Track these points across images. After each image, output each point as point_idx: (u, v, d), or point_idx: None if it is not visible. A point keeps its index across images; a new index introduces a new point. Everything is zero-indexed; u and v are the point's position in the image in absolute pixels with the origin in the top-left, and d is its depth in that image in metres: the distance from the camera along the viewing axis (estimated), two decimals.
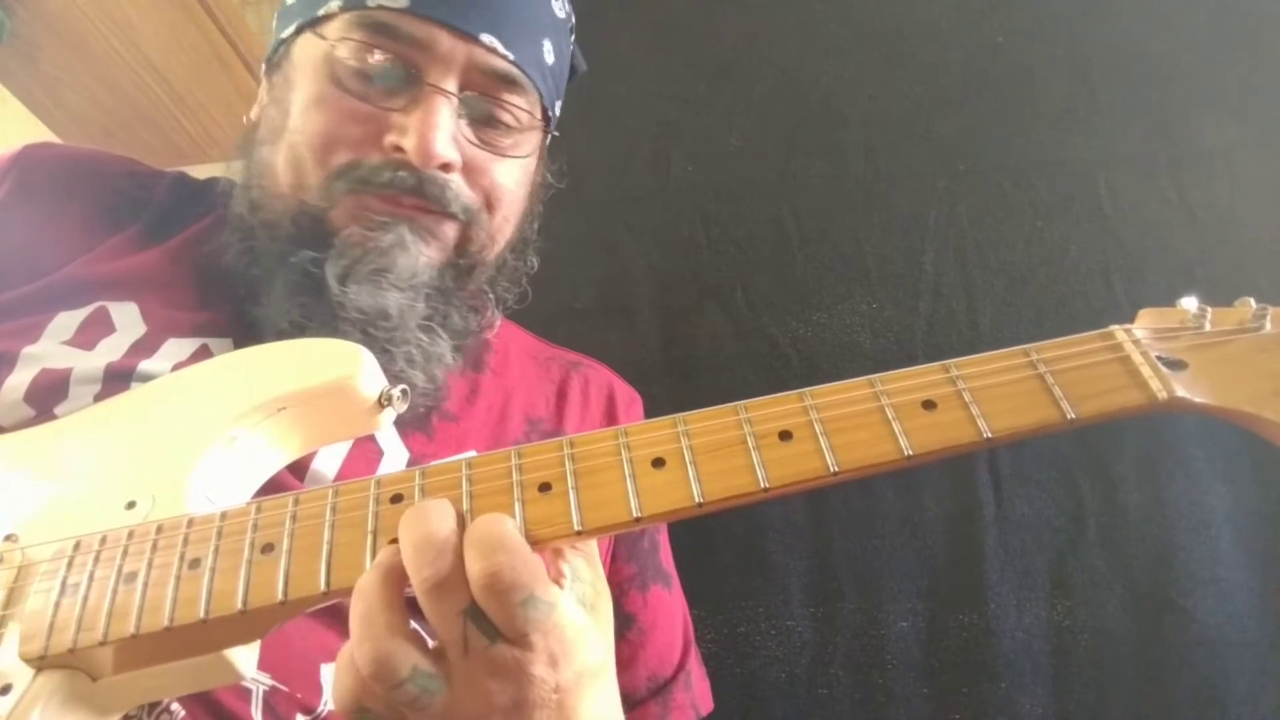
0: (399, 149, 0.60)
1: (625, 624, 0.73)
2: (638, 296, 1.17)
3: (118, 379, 0.57)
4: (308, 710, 0.53)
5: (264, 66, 0.72)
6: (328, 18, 0.62)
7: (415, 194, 0.61)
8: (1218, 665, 0.93)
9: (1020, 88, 1.18)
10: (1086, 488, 1.01)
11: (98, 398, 0.56)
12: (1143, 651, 0.95)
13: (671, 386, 1.11)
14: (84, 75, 1.25)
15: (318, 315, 0.60)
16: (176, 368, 0.58)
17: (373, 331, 0.60)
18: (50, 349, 0.58)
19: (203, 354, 0.60)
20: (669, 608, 0.77)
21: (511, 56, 0.64)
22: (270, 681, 0.52)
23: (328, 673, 0.54)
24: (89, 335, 0.60)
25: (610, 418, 0.81)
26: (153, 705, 0.48)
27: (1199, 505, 0.98)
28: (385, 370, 0.58)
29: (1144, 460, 1.00)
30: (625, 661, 0.71)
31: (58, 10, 1.15)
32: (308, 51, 0.64)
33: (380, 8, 0.60)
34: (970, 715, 0.95)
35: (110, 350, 0.59)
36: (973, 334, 1.09)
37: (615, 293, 1.17)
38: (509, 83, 0.65)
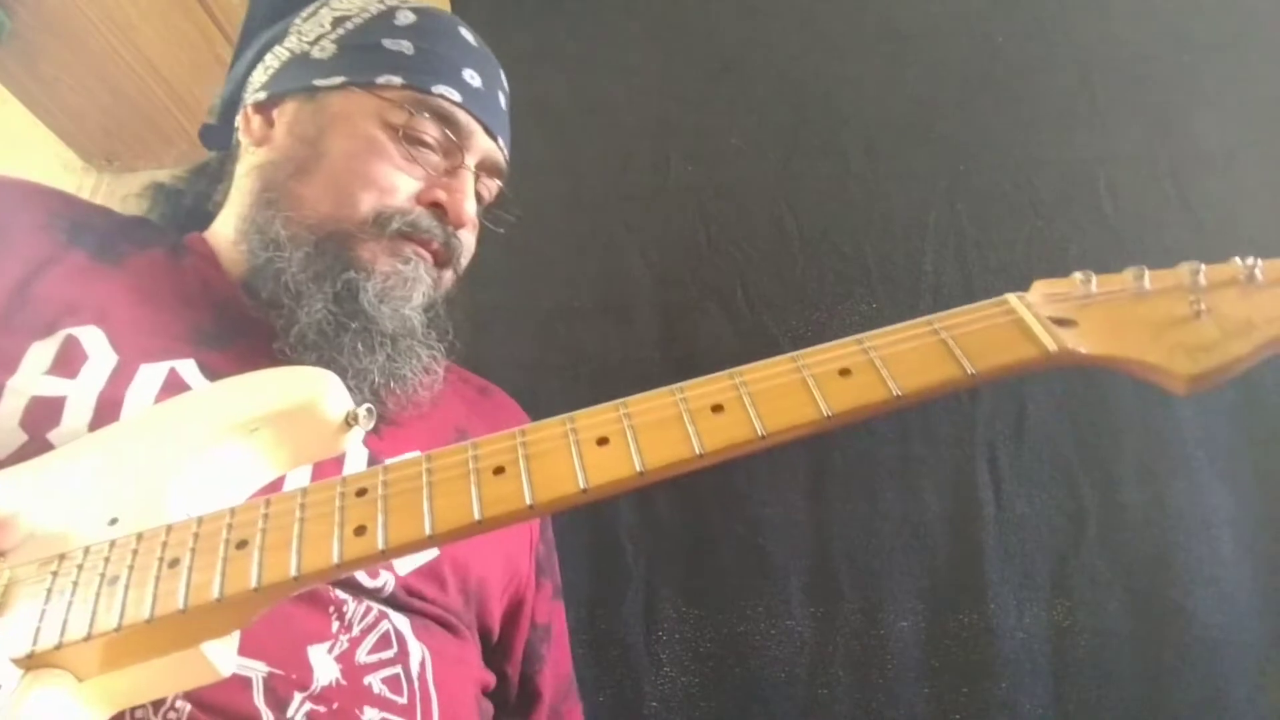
0: (437, 205, 0.77)
1: (546, 634, 0.84)
2: (638, 296, 1.17)
3: (109, 406, 0.62)
4: (303, 688, 0.57)
5: (261, 98, 0.80)
6: (387, 87, 0.76)
7: (443, 245, 0.78)
8: (1218, 665, 0.92)
9: (1020, 88, 1.18)
10: (1086, 488, 1.01)
11: (91, 425, 0.60)
12: (1143, 651, 0.94)
13: None
14: (84, 75, 1.25)
15: (352, 325, 0.71)
16: (159, 396, 0.63)
17: (400, 342, 0.73)
18: (34, 379, 0.62)
19: (172, 377, 0.65)
20: (563, 617, 0.89)
21: (507, 155, 0.85)
22: (266, 668, 0.56)
23: (314, 653, 0.59)
24: (69, 364, 0.63)
25: None
26: (158, 704, 0.51)
27: (1199, 505, 0.98)
28: (399, 378, 0.72)
29: (1144, 460, 1.00)
30: (547, 667, 0.83)
31: (58, 10, 1.15)
32: (358, 105, 0.77)
33: (441, 97, 0.77)
34: (970, 715, 0.95)
35: (95, 377, 0.63)
36: None
37: (615, 292, 1.17)
38: (499, 172, 0.85)
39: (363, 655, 0.61)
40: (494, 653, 0.78)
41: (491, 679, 0.77)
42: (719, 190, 1.21)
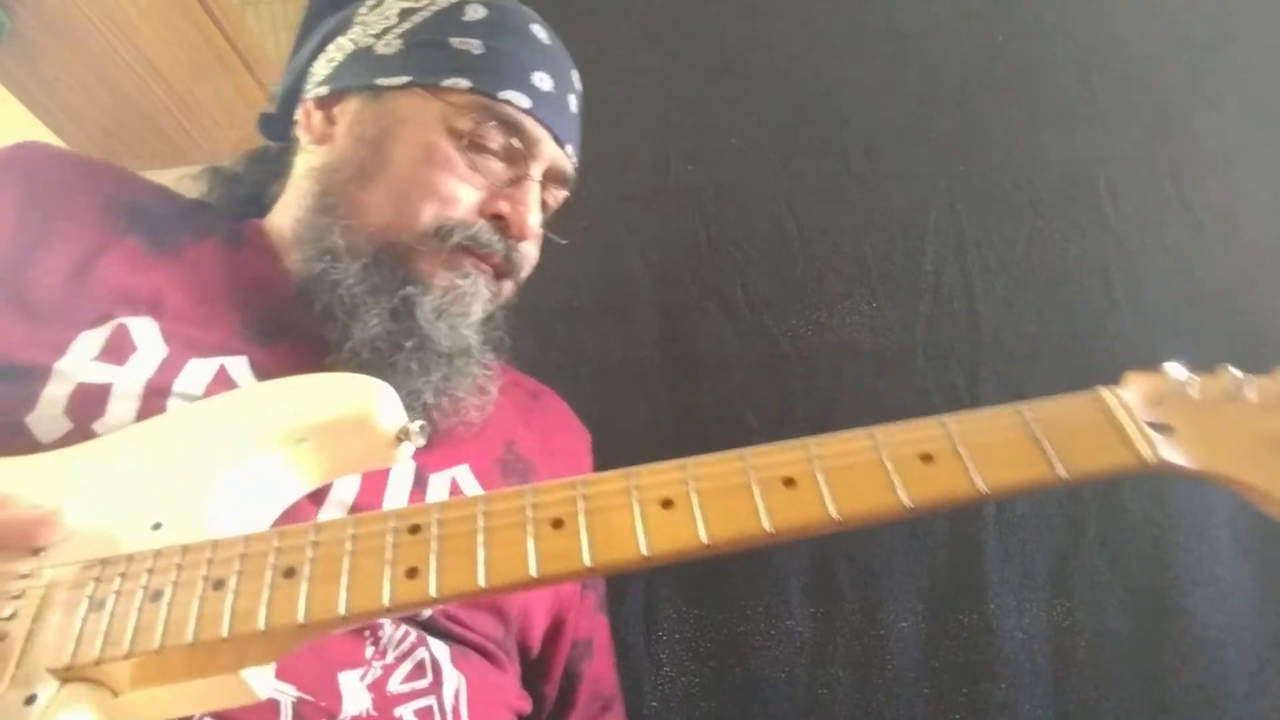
0: (499, 217, 0.74)
1: (587, 650, 0.82)
2: (638, 296, 1.17)
3: (156, 395, 0.60)
4: (332, 716, 0.56)
5: (323, 93, 0.78)
6: (453, 91, 0.73)
7: (503, 259, 0.75)
8: (1218, 665, 0.93)
9: (1020, 88, 1.18)
10: (1087, 488, 1.01)
11: (138, 415, 0.59)
12: (1143, 652, 0.95)
13: (671, 386, 1.11)
14: (84, 75, 1.25)
15: (407, 344, 0.69)
16: (208, 390, 0.62)
17: (455, 361, 0.72)
18: (81, 365, 0.61)
19: (221, 374, 0.64)
20: (607, 629, 0.87)
21: (576, 163, 0.82)
22: (296, 693, 0.54)
23: (345, 680, 0.57)
24: (117, 352, 0.62)
25: (571, 452, 0.88)
26: None
27: (1199, 506, 0.98)
28: (452, 398, 0.70)
29: None
30: (584, 684, 0.81)
31: (58, 10, 1.16)
32: (423, 109, 0.74)
33: (507, 103, 0.74)
34: (970, 715, 0.95)
35: (143, 367, 0.62)
36: (973, 334, 1.08)
37: (615, 292, 1.17)
38: (565, 181, 0.82)
39: (395, 684, 0.60)
40: (531, 669, 0.76)
41: (528, 705, 0.75)
42: (719, 190, 1.21)
